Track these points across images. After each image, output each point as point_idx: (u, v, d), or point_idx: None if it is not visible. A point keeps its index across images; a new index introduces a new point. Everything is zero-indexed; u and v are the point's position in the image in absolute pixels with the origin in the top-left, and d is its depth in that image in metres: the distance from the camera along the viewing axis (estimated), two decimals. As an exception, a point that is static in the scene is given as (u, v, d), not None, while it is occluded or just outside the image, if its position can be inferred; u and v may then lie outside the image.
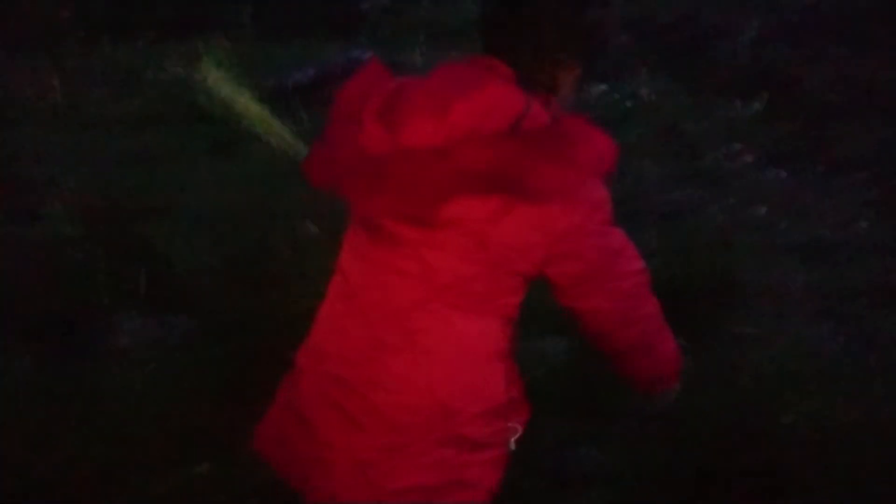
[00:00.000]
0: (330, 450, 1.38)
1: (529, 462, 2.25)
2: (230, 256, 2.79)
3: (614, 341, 1.45)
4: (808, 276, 3.13)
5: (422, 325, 1.32)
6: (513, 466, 2.07)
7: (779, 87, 4.86)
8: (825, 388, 2.46)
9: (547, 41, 1.33)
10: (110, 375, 2.44)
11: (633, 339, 1.44)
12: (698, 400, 2.42)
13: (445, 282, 1.31)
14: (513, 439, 1.44)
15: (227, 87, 3.11)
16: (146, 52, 4.71)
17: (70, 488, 2.05)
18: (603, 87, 4.33)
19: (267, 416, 1.53)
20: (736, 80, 4.87)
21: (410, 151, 1.27)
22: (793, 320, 2.83)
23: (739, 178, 3.83)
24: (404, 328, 1.33)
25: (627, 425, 2.40)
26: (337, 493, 1.39)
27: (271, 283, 2.66)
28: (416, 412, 1.34)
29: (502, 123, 1.26)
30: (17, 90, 3.94)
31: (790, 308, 2.91)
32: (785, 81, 4.92)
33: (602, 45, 1.43)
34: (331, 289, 1.46)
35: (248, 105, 3.06)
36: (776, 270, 3.12)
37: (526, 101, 1.28)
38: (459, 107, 1.26)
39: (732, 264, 2.94)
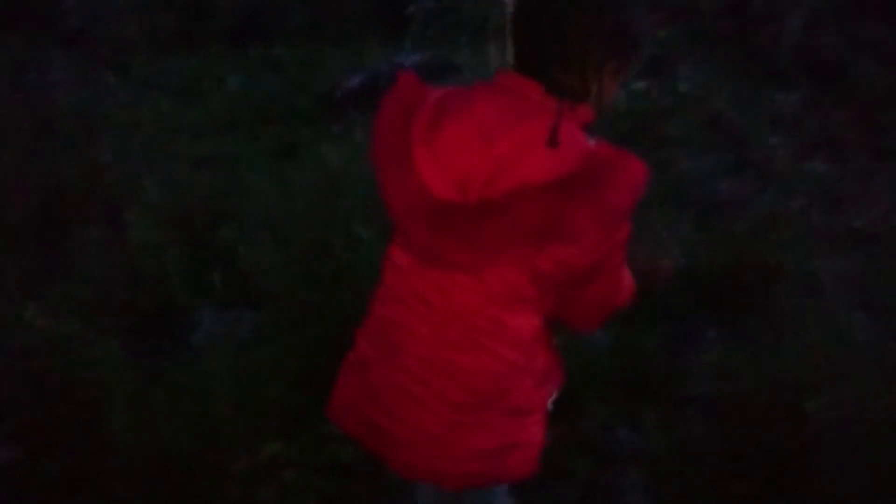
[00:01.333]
0: (404, 427, 1.59)
1: (574, 442, 2.45)
2: (292, 256, 3.02)
3: None
4: (844, 266, 3.21)
5: (482, 325, 1.51)
6: (559, 447, 2.27)
7: (826, 75, 4.87)
8: (857, 377, 2.55)
9: (572, 50, 1.38)
10: (191, 367, 2.69)
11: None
12: (731, 384, 2.57)
13: (500, 292, 1.48)
14: (550, 400, 1.64)
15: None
16: (208, 62, 5.00)
17: (160, 469, 2.31)
18: (641, 84, 4.42)
19: (339, 393, 1.70)
20: (782, 70, 4.89)
21: (472, 204, 1.41)
22: (828, 310, 2.92)
23: (782, 170, 3.90)
24: (467, 328, 1.51)
25: (664, 409, 2.56)
26: (412, 462, 1.61)
27: (330, 280, 2.89)
28: (477, 394, 1.55)
29: (545, 165, 1.37)
30: (92, 104, 4.25)
31: (826, 298, 3.00)
32: (832, 69, 4.92)
33: (632, 47, 1.43)
34: (385, 288, 1.63)
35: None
36: (813, 261, 3.21)
37: (553, 117, 1.37)
38: (502, 145, 1.40)
39: (769, 255, 3.04)
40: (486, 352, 1.52)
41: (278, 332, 2.84)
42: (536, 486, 1.89)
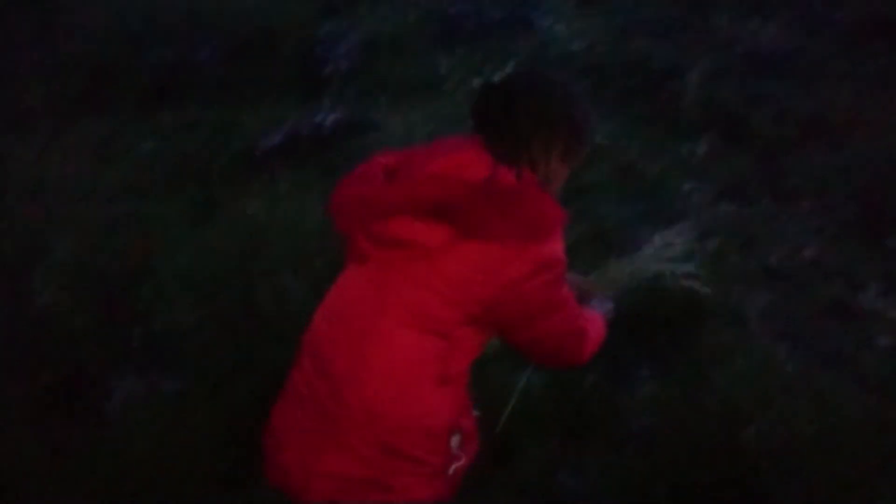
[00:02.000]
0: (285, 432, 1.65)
1: (514, 488, 2.38)
2: (213, 314, 2.90)
3: None
4: (763, 301, 3.32)
5: (373, 335, 1.53)
6: (499, 493, 2.19)
7: (727, 124, 5.14)
8: (787, 405, 2.62)
9: (521, 131, 1.56)
10: (107, 437, 2.51)
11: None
12: (668, 419, 2.57)
13: (396, 301, 1.51)
14: (454, 466, 1.59)
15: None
16: (118, 126, 4.86)
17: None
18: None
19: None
20: (687, 121, 5.14)
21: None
22: (754, 342, 3.00)
23: (694, 213, 4.04)
24: (361, 335, 1.54)
25: (603, 449, 2.53)
26: (287, 470, 1.61)
27: (255, 336, 2.77)
28: (352, 409, 1.52)
29: (469, 178, 1.50)
30: (-3, 168, 4.05)
31: (750, 331, 3.09)
32: (732, 120, 5.21)
33: (577, 134, 1.60)
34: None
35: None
36: (734, 296, 3.30)
37: (493, 167, 1.52)
38: (435, 162, 1.52)
39: (692, 293, 3.10)
40: (366, 360, 1.55)
41: (200, 395, 2.69)
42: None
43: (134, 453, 2.41)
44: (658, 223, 4.05)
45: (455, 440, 1.58)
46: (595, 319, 1.69)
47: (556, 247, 1.51)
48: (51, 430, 2.55)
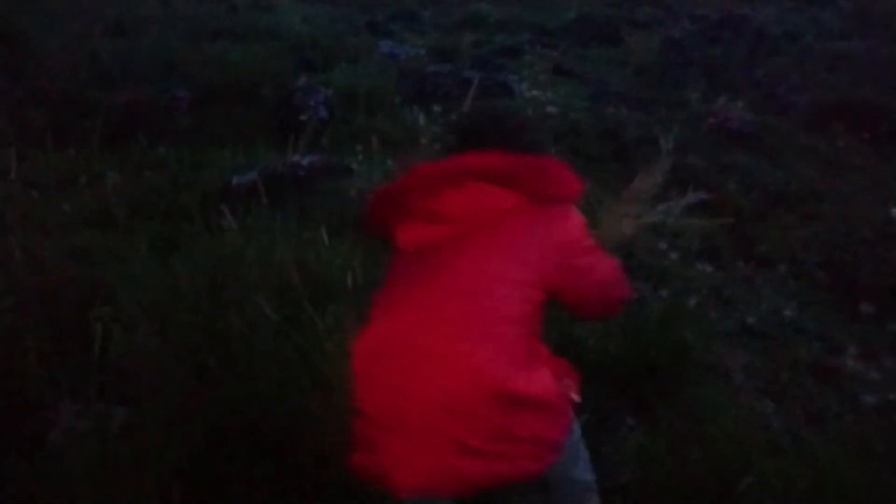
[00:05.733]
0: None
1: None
2: (175, 344, 2.71)
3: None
4: (745, 358, 3.27)
5: (476, 315, 1.68)
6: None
7: (698, 192, 5.20)
8: (777, 462, 2.52)
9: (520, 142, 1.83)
10: (49, 470, 2.28)
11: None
12: (654, 470, 2.45)
13: (487, 277, 1.69)
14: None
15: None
16: (84, 159, 4.71)
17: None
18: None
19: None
20: (659, 186, 5.19)
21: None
22: (739, 398, 2.93)
23: (674, 272, 4.02)
24: (463, 318, 1.71)
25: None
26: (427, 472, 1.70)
27: (220, 369, 2.59)
28: (482, 390, 1.69)
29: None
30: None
31: (733, 387, 3.02)
32: (704, 187, 5.29)
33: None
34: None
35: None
36: (716, 352, 3.24)
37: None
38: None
39: (676, 346, 3.03)
40: None
41: (152, 427, 2.47)
42: None
43: (77, 487, 2.18)
44: (634, 280, 4.03)
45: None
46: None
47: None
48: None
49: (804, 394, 3.09)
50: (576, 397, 1.83)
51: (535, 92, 6.40)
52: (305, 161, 4.34)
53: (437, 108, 5.65)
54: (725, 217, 4.70)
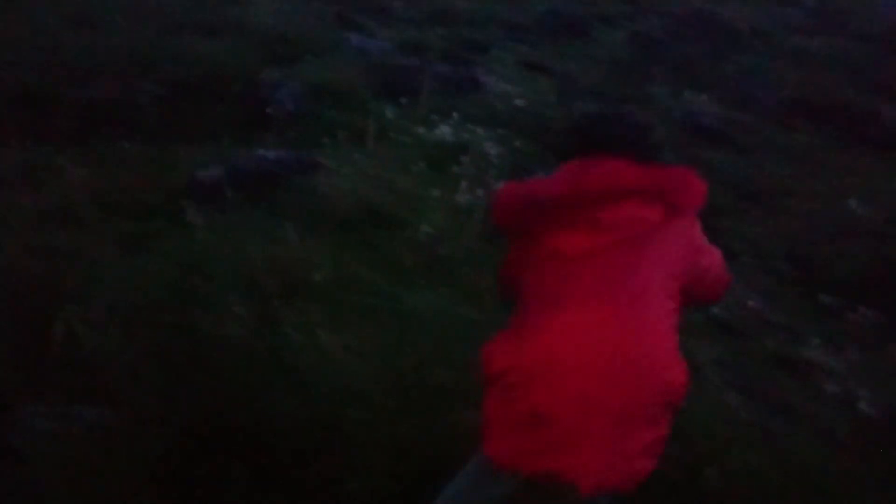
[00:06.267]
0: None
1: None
2: (146, 343, 2.68)
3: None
4: (712, 351, 3.31)
5: (642, 318, 1.85)
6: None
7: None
8: (746, 450, 2.57)
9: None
10: (13, 476, 2.24)
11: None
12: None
13: (644, 280, 1.86)
14: None
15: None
16: (48, 154, 4.61)
17: None
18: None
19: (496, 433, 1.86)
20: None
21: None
22: (708, 391, 2.97)
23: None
24: (630, 321, 1.86)
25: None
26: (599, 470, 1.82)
27: (188, 367, 2.57)
28: (652, 384, 1.87)
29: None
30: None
31: (703, 379, 3.06)
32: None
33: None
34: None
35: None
36: (683, 346, 3.28)
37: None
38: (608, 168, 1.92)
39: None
40: None
41: (123, 427, 2.45)
42: None
43: (44, 490, 2.15)
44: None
45: None
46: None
47: None
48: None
49: (770, 385, 3.15)
50: None
51: (504, 86, 6.40)
52: (272, 155, 4.30)
53: (405, 102, 5.63)
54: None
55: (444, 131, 5.27)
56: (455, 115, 5.40)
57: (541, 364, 1.82)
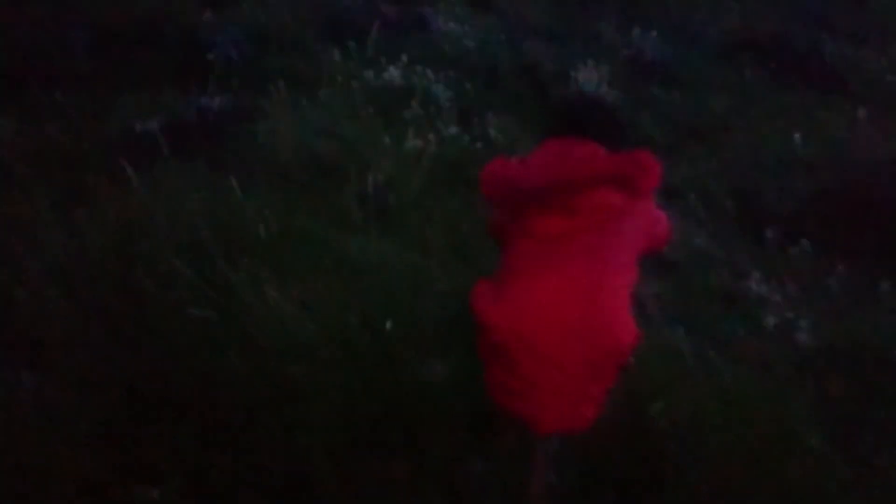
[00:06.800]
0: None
1: (422, 478, 2.27)
2: (87, 305, 2.62)
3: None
4: (658, 287, 3.39)
5: (603, 287, 2.07)
6: (410, 485, 2.07)
7: (613, 127, 5.27)
8: (689, 384, 2.65)
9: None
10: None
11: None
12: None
13: (611, 257, 2.07)
14: None
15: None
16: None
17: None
18: (455, 129, 4.51)
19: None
20: (575, 120, 5.22)
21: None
22: (653, 326, 3.04)
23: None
24: (596, 287, 2.08)
25: (510, 437, 2.47)
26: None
27: (131, 328, 2.52)
28: (606, 347, 2.12)
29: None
30: None
31: (648, 316, 3.13)
32: (620, 123, 5.35)
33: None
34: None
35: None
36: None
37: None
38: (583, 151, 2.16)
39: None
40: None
41: (67, 395, 2.40)
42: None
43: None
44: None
45: None
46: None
47: None
48: None
49: (712, 319, 3.24)
50: None
51: (451, 25, 6.28)
52: (214, 104, 4.17)
53: (352, 45, 5.49)
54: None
55: (393, 74, 5.17)
56: (404, 57, 5.30)
57: (515, 326, 2.11)
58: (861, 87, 5.93)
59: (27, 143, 4.04)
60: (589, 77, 5.68)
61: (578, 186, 2.04)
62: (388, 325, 2.49)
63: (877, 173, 4.48)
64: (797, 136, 4.86)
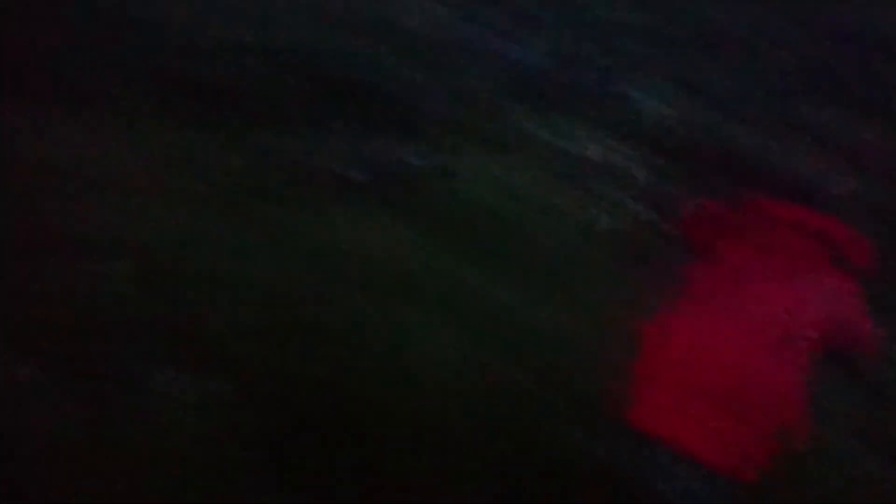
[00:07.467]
0: None
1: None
2: (275, 323, 2.80)
3: None
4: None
5: None
6: None
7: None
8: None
9: None
10: (146, 424, 2.41)
11: None
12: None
13: None
14: None
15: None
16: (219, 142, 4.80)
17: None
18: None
19: None
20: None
21: None
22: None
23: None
24: None
25: None
26: None
27: (318, 350, 2.66)
28: None
29: None
30: None
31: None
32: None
33: None
34: None
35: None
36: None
37: None
38: None
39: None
40: None
41: (246, 402, 2.56)
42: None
43: (171, 447, 2.29)
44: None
45: None
46: None
47: None
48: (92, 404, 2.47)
49: None
50: None
51: (653, 103, 6.21)
52: (415, 160, 4.37)
53: (550, 113, 5.57)
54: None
55: (589, 148, 5.19)
56: (600, 131, 5.30)
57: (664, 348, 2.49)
58: None
59: (250, 174, 4.37)
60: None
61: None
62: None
63: None
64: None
